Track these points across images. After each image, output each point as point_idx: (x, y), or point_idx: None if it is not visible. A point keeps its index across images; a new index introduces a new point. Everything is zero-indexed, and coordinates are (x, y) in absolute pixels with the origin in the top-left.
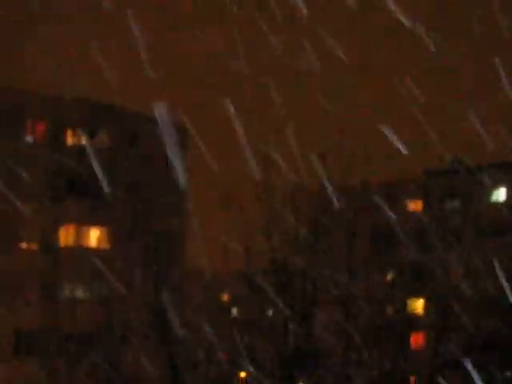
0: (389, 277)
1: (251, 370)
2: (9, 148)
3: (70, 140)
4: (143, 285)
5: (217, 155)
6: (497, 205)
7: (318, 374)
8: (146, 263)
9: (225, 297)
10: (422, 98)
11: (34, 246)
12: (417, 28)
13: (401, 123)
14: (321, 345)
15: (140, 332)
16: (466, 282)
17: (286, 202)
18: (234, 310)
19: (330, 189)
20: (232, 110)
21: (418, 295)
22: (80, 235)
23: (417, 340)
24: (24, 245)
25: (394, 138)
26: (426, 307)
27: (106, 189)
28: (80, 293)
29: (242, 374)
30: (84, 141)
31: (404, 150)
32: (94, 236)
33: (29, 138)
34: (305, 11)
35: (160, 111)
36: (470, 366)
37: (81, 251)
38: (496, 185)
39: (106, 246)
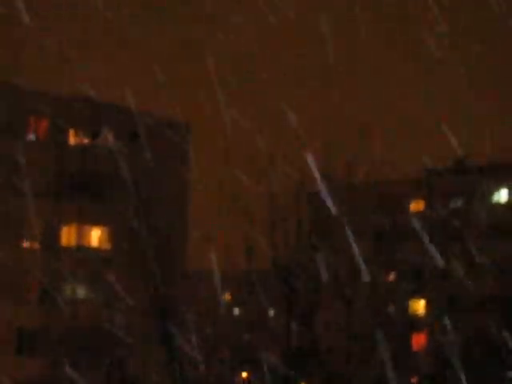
0: (390, 277)
1: (253, 369)
2: (11, 147)
3: (72, 139)
4: (144, 284)
5: (219, 154)
6: (499, 205)
7: (320, 373)
8: (147, 263)
9: (226, 297)
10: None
11: (36, 246)
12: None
13: (403, 122)
14: (322, 344)
15: (141, 332)
16: (468, 283)
17: (288, 201)
18: (236, 310)
19: (332, 188)
20: (234, 108)
21: (419, 295)
22: (81, 235)
23: (418, 340)
24: (26, 244)
25: (396, 138)
26: (428, 308)
27: (108, 188)
28: (81, 292)
29: (244, 374)
30: (86, 140)
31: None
32: (96, 236)
33: (31, 137)
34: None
35: (161, 110)
36: (470, 367)
37: (82, 251)
38: (498, 185)
39: (107, 245)
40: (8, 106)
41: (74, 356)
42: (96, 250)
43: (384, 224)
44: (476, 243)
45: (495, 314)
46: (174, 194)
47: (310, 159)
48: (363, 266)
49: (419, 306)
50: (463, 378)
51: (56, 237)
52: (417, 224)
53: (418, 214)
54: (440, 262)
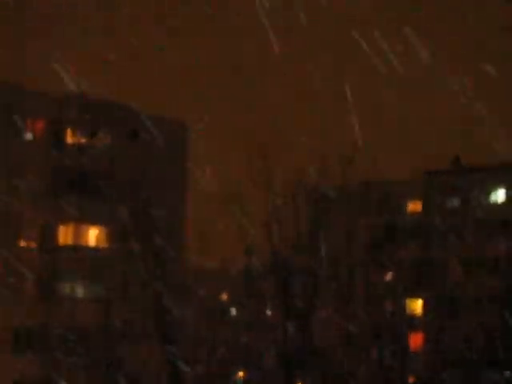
0: (388, 276)
1: (250, 369)
2: (9, 146)
3: (69, 138)
4: (142, 283)
5: (218, 153)
6: (496, 205)
7: (318, 373)
8: (145, 262)
9: (224, 296)
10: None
11: (33, 244)
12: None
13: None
14: (320, 344)
15: (139, 330)
16: (466, 282)
17: (287, 201)
18: (233, 310)
19: (330, 188)
20: (233, 107)
21: (417, 295)
22: (79, 234)
23: (416, 340)
24: (23, 243)
25: (394, 138)
26: (425, 307)
27: (106, 188)
28: (79, 291)
29: (241, 373)
30: (84, 139)
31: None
32: (93, 235)
33: (29, 136)
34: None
35: (160, 108)
36: (468, 366)
37: (80, 250)
38: (495, 185)
39: (104, 244)
40: (6, 105)
41: (72, 355)
42: (94, 249)
43: (381, 224)
44: (474, 242)
45: (493, 313)
46: (172, 193)
47: (311, 158)
48: (361, 266)
49: (417, 305)
50: (460, 377)
51: (53, 236)
52: (415, 223)
53: (416, 213)
54: (438, 261)
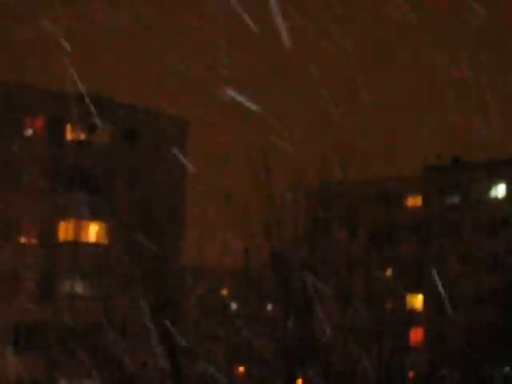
0: (388, 272)
1: (250, 364)
2: (9, 142)
3: (69, 135)
4: (143, 279)
5: (218, 150)
6: (496, 201)
7: (318, 369)
8: (145, 258)
9: (224, 292)
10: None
11: (34, 241)
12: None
13: (402, 119)
14: (320, 340)
15: (139, 327)
16: (465, 277)
17: (287, 197)
18: (234, 305)
19: (330, 184)
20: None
21: (417, 291)
22: (79, 230)
23: (416, 336)
24: (23, 239)
25: (394, 134)
26: (426, 303)
27: (106, 184)
28: (79, 288)
29: (241, 369)
30: (83, 135)
31: (404, 146)
32: (94, 231)
33: (28, 133)
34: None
35: (160, 105)
36: (468, 361)
37: (80, 246)
38: (495, 181)
39: (105, 240)
40: (5, 102)
41: (72, 353)
42: (94, 245)
43: (381, 220)
44: (473, 238)
45: (493, 309)
46: (172, 190)
47: (309, 156)
48: (361, 262)
49: (417, 301)
50: (460, 372)
51: (54, 232)
52: (414, 220)
53: (416, 209)
54: (437, 257)
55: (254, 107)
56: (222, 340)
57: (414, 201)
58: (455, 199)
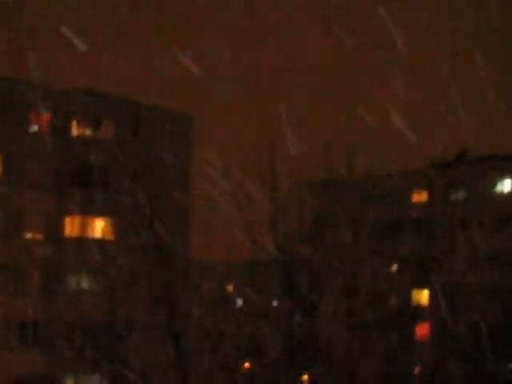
0: (393, 267)
1: (256, 360)
2: (14, 138)
3: (74, 130)
4: (148, 275)
5: (223, 145)
6: (502, 196)
7: (323, 364)
8: (151, 254)
9: (230, 287)
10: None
11: (39, 237)
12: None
13: (407, 114)
14: (326, 335)
15: (145, 322)
16: (471, 273)
17: (292, 192)
18: (239, 301)
19: (335, 179)
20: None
21: (422, 286)
22: (85, 226)
23: (421, 331)
24: (29, 235)
25: (399, 130)
26: (431, 298)
27: (111, 179)
28: (85, 283)
29: (247, 364)
30: (89, 131)
31: (410, 141)
32: (99, 227)
33: (34, 129)
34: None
35: (164, 101)
36: (474, 357)
37: (86, 242)
38: (501, 176)
39: (110, 236)
40: (11, 98)
41: (78, 349)
42: (100, 241)
43: (386, 215)
44: (478, 234)
45: (499, 305)
46: (178, 184)
47: (315, 149)
48: (366, 257)
49: (423, 296)
50: (465, 368)
51: (59, 228)
52: (420, 215)
53: (420, 205)
54: (443, 252)
55: (256, 105)
56: (227, 336)
57: (419, 196)
58: (460, 195)
